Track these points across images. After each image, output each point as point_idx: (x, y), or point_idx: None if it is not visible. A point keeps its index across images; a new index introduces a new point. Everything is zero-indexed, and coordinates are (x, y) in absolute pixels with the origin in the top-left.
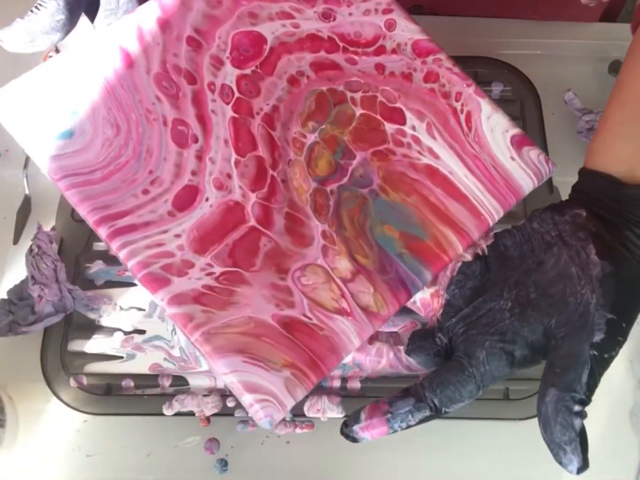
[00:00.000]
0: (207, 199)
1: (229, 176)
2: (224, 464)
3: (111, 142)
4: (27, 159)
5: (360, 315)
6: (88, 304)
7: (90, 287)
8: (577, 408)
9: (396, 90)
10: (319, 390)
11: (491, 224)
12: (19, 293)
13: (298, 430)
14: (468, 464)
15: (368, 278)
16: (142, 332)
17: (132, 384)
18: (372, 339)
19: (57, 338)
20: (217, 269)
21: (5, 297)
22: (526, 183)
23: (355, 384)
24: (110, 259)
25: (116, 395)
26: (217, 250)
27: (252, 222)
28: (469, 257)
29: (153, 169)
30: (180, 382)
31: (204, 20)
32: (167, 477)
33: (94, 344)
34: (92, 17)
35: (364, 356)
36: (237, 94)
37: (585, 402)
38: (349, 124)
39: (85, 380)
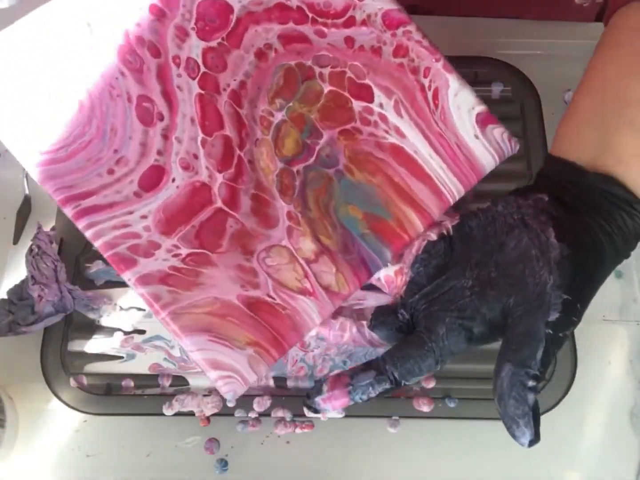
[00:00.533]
0: (173, 180)
1: (196, 156)
2: (224, 464)
3: (74, 119)
4: None
5: (322, 294)
6: (88, 304)
7: (90, 287)
8: (530, 383)
9: (365, 66)
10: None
11: (451, 202)
12: (19, 293)
13: (298, 430)
14: (468, 464)
15: (331, 258)
16: (142, 332)
17: (132, 384)
18: (336, 314)
19: (57, 338)
20: (184, 251)
21: (5, 297)
22: (488, 162)
23: None
24: None
25: (116, 395)
26: (183, 231)
27: (219, 203)
28: (434, 237)
29: (118, 148)
30: (180, 382)
31: None
32: (167, 477)
33: (94, 344)
34: None
35: (327, 330)
36: (203, 69)
37: (538, 377)
38: (316, 101)
39: (85, 380)
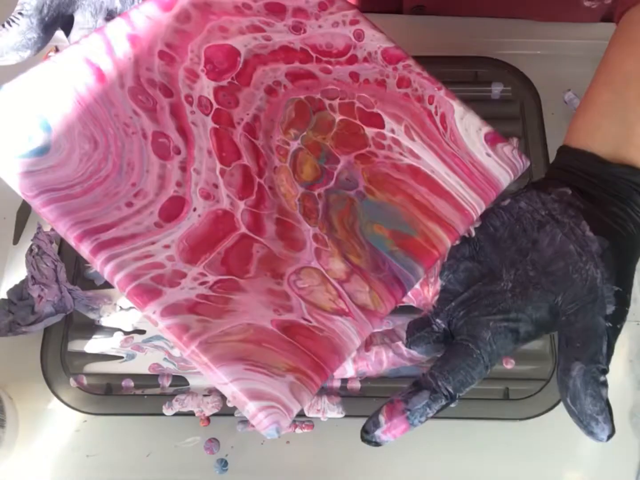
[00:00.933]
0: (194, 209)
1: (216, 186)
2: (224, 464)
3: (90, 156)
4: None
5: (358, 314)
6: (88, 304)
7: (90, 287)
8: (602, 378)
9: (372, 96)
10: (319, 390)
11: (475, 217)
12: (19, 293)
13: (298, 430)
14: (468, 464)
15: (363, 277)
16: (142, 332)
17: (132, 384)
18: (369, 344)
19: (57, 338)
20: (211, 278)
21: (5, 297)
22: (504, 177)
23: (355, 384)
24: None
25: (116, 395)
26: (209, 259)
27: (243, 229)
28: (456, 241)
29: (136, 182)
30: (180, 382)
31: (174, 35)
32: (167, 477)
33: (94, 344)
34: (67, 33)
35: (365, 364)
36: (215, 105)
37: (606, 371)
38: (329, 130)
39: (85, 380)
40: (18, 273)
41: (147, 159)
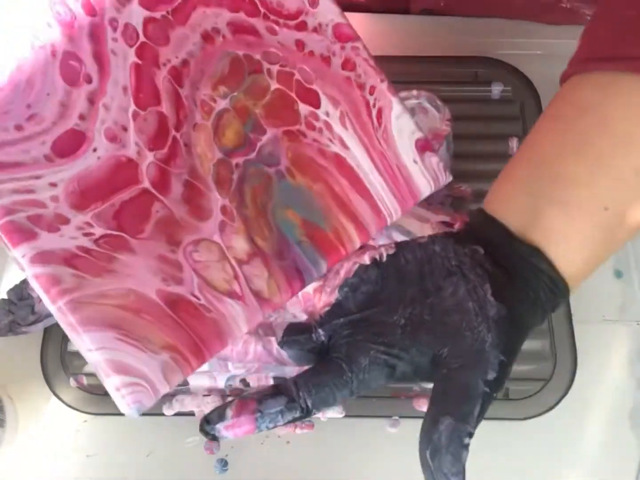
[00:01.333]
0: (95, 149)
1: (125, 129)
2: (224, 464)
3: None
4: None
5: (251, 300)
6: None
7: None
8: (467, 441)
9: (314, 71)
10: None
11: (389, 223)
12: (19, 293)
13: (298, 430)
14: (468, 464)
15: (264, 262)
16: None
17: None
18: None
19: (57, 338)
20: (98, 230)
21: (5, 297)
22: (424, 188)
23: None
24: None
25: None
26: (100, 209)
27: (146, 184)
28: (367, 261)
29: (32, 104)
30: (180, 382)
31: None
32: (167, 477)
33: None
34: None
35: (230, 349)
36: (142, 38)
37: (472, 436)
38: (262, 97)
39: (85, 380)
40: (18, 273)
41: (51, 80)
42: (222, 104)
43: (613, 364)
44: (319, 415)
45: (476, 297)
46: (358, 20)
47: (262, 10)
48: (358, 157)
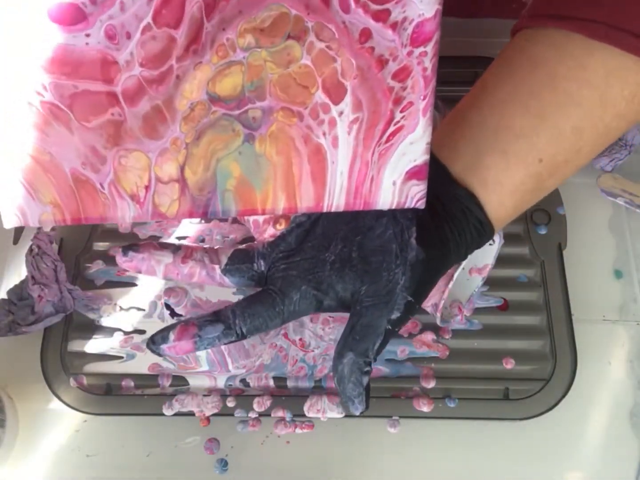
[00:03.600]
0: (87, 35)
1: (128, 36)
2: (224, 464)
3: None
4: None
5: (147, 208)
6: (88, 304)
7: (90, 287)
8: (366, 368)
9: (358, 69)
10: (319, 390)
11: (324, 210)
12: (19, 293)
13: (298, 430)
14: (468, 464)
15: (180, 188)
16: (142, 332)
17: (132, 384)
18: (186, 258)
19: (57, 338)
20: (48, 96)
21: (5, 297)
22: (382, 204)
23: None
24: (110, 259)
25: (116, 395)
26: (62, 81)
27: (117, 89)
28: None
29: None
30: (180, 382)
31: None
32: (167, 477)
33: (94, 344)
34: None
35: (176, 273)
36: None
37: (371, 363)
38: (285, 66)
39: (85, 380)
40: (18, 273)
41: None
42: (239, 56)
43: (613, 364)
44: (319, 415)
45: (400, 239)
46: None
47: None
48: (339, 157)
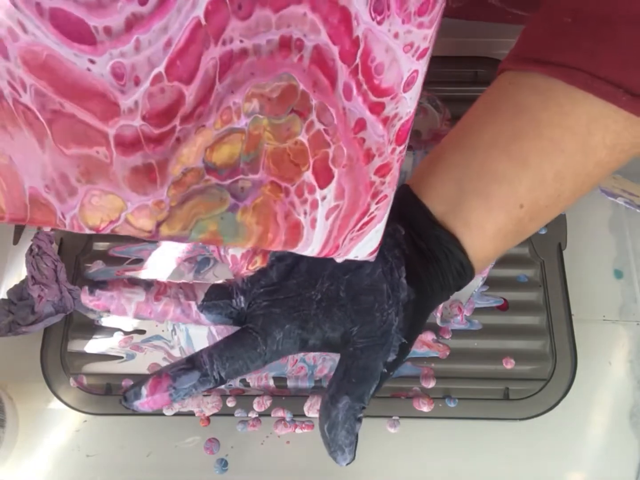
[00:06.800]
0: (92, 62)
1: (137, 81)
2: (224, 464)
3: None
4: None
5: (104, 231)
6: None
7: None
8: (360, 415)
9: (348, 159)
10: (319, 390)
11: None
12: (19, 293)
13: (298, 430)
14: (468, 464)
15: (149, 235)
16: (142, 332)
17: (132, 384)
18: (160, 294)
19: (57, 338)
20: (26, 99)
21: (5, 297)
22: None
23: None
24: (110, 259)
25: (116, 395)
26: (48, 92)
27: (110, 133)
28: None
29: None
30: None
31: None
32: (167, 477)
33: (94, 344)
34: None
35: (149, 311)
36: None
37: (364, 408)
38: (282, 141)
39: (85, 380)
40: (18, 273)
41: None
42: (242, 122)
43: (613, 364)
44: (316, 416)
45: (390, 278)
46: None
47: (358, 60)
48: (314, 238)
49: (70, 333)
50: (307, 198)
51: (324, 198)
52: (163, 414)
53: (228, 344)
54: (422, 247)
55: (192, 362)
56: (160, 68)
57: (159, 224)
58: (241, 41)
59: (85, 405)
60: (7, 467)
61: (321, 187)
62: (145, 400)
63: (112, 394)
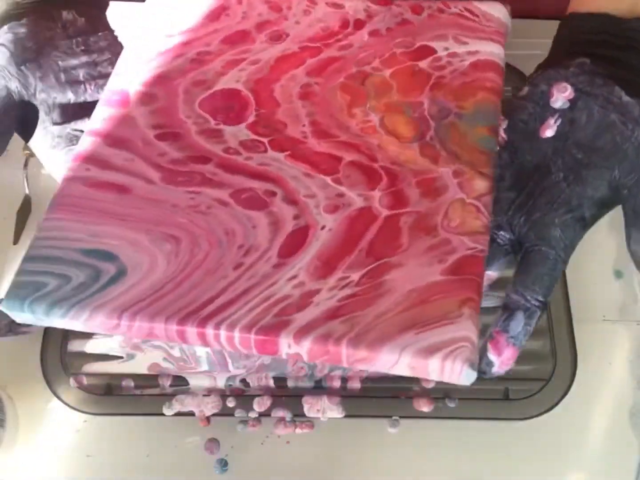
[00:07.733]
0: (322, 228)
1: (341, 195)
2: (224, 464)
3: (176, 252)
4: (27, 159)
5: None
6: None
7: None
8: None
9: (407, 36)
10: (319, 390)
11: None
12: None
13: (298, 430)
14: (468, 463)
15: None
16: None
17: (132, 384)
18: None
19: (57, 338)
20: (355, 275)
21: None
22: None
23: (356, 384)
24: None
25: (116, 395)
26: (349, 261)
27: (385, 212)
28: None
29: (243, 243)
30: (180, 382)
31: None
32: (167, 477)
33: (94, 344)
34: (26, 136)
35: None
36: (260, 138)
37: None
38: (390, 88)
39: (85, 380)
40: None
41: (246, 218)
42: (373, 119)
43: (613, 364)
44: (319, 415)
45: (612, 106)
46: None
47: (318, 44)
48: (487, 49)
49: (70, 333)
50: (446, 60)
51: (445, 48)
52: (163, 414)
53: (524, 271)
54: (620, 56)
55: (507, 308)
56: (330, 181)
57: (482, 174)
58: (303, 125)
59: (85, 405)
60: (7, 467)
61: (434, 52)
62: (499, 363)
63: (112, 394)
